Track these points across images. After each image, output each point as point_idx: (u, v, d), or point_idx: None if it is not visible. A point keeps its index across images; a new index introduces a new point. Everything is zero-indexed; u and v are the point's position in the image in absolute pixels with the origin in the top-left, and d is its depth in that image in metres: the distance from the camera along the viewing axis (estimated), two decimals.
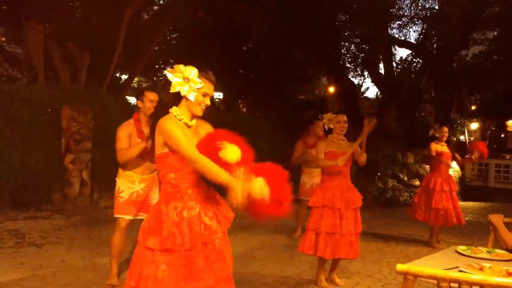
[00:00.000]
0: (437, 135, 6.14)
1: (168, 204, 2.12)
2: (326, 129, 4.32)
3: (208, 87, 2.18)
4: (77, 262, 4.53)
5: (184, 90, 2.11)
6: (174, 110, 2.16)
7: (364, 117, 4.34)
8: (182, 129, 2.11)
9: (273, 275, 4.39)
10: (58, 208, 6.58)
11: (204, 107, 2.18)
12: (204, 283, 2.06)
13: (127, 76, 12.64)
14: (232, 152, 1.94)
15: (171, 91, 2.12)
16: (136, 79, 15.92)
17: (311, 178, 6.07)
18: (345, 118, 4.13)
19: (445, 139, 6.13)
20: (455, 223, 6.03)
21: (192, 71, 2.11)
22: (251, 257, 4.97)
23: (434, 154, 6.05)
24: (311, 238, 4.05)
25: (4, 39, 12.53)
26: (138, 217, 3.73)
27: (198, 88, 2.13)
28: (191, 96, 2.12)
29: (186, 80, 2.11)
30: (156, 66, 15.31)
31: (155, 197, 3.78)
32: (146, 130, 3.68)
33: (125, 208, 3.70)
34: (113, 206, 3.80)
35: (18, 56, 10.81)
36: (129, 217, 3.72)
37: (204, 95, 2.16)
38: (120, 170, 3.77)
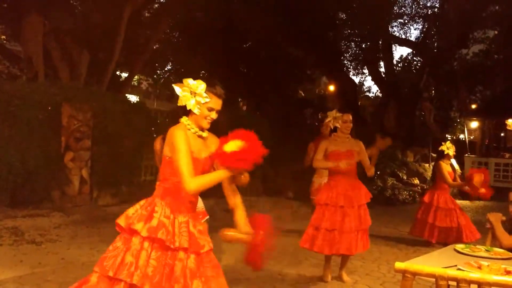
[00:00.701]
0: (451, 153, 5.95)
1: (164, 198, 2.15)
2: (332, 128, 4.19)
3: (215, 102, 2.21)
4: (76, 260, 4.54)
5: (190, 104, 2.16)
6: (184, 119, 2.21)
7: (377, 135, 4.34)
8: (189, 140, 2.14)
9: (272, 273, 4.39)
10: (57, 206, 6.58)
11: (210, 121, 2.22)
12: None
13: (127, 74, 12.63)
14: (231, 144, 2.02)
15: (178, 104, 2.18)
16: (136, 77, 15.91)
17: (320, 178, 6.02)
18: (351, 118, 4.12)
19: (453, 157, 6.06)
20: (470, 240, 5.72)
21: (199, 86, 2.16)
22: None
23: (447, 176, 5.86)
24: (309, 232, 4.12)
25: (4, 37, 12.53)
26: None
27: (203, 103, 2.17)
28: (196, 110, 2.17)
29: (193, 94, 2.16)
30: (156, 64, 15.29)
31: None
32: None
33: None
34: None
35: (18, 54, 10.80)
36: None
37: (210, 109, 2.20)
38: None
